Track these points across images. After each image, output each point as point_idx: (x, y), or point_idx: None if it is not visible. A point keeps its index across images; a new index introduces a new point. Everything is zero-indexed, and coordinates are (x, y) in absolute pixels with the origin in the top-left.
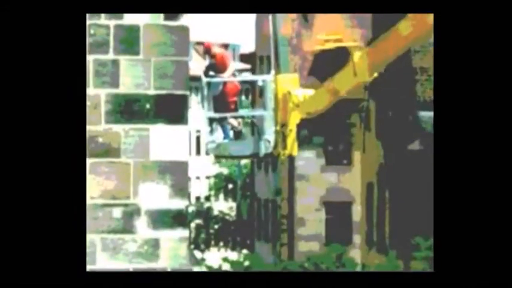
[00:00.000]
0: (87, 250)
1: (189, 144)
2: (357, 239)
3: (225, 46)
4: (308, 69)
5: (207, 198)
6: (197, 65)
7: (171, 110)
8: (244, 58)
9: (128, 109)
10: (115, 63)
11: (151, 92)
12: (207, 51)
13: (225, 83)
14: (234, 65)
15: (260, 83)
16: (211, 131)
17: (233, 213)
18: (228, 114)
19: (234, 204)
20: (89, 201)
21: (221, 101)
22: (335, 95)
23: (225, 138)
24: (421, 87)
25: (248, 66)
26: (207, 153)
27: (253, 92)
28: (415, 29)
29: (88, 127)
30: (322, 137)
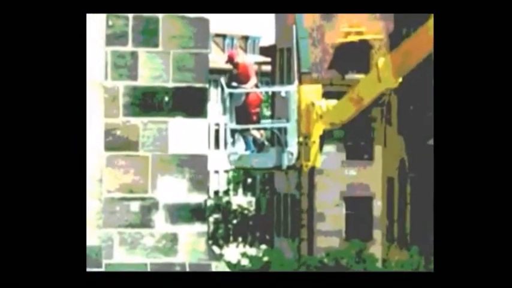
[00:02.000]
0: (104, 244)
1: (208, 137)
2: (378, 234)
3: (245, 38)
4: (329, 62)
5: (226, 193)
6: (217, 57)
7: (190, 103)
8: (264, 51)
9: (146, 102)
10: (134, 55)
11: (170, 84)
12: (230, 60)
13: (247, 94)
14: (256, 77)
15: (283, 94)
16: (233, 143)
17: (252, 208)
18: (250, 126)
19: (253, 199)
20: (106, 195)
21: (243, 112)
22: (359, 103)
23: (247, 149)
24: None
25: (268, 59)
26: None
27: (273, 99)
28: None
29: (105, 120)
30: (343, 131)
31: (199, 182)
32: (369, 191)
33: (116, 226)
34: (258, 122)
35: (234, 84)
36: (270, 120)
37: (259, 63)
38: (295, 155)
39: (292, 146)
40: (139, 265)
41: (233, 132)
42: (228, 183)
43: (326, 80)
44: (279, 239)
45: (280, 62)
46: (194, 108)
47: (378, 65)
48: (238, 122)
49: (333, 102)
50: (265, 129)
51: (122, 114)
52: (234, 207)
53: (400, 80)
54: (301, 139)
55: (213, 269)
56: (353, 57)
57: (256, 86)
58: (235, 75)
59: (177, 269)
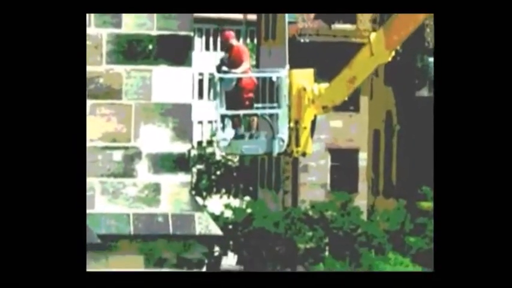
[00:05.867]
0: (87, 194)
1: (192, 87)
2: (363, 187)
3: None
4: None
5: (210, 143)
6: None
7: (174, 51)
8: None
9: (130, 50)
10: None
11: (155, 32)
12: (225, 40)
13: (240, 78)
14: (248, 61)
15: (274, 79)
16: (223, 128)
17: (236, 160)
18: (241, 112)
19: None
20: (88, 144)
21: (235, 97)
22: (352, 83)
23: (237, 135)
24: (430, 32)
25: (254, 16)
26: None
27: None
28: None
29: (88, 68)
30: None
31: (183, 132)
32: (354, 143)
33: (98, 175)
34: (250, 107)
35: (225, 68)
36: (260, 105)
37: (245, 13)
38: (286, 141)
39: (283, 133)
40: (121, 215)
41: (223, 117)
42: (212, 134)
43: (312, 30)
44: (263, 190)
45: (266, 18)
46: (178, 57)
47: (370, 40)
48: (228, 108)
49: (325, 85)
50: (255, 115)
51: (105, 62)
52: (218, 158)
53: (393, 53)
54: (292, 125)
55: (196, 220)
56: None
57: (249, 70)
58: (227, 58)
59: (160, 219)
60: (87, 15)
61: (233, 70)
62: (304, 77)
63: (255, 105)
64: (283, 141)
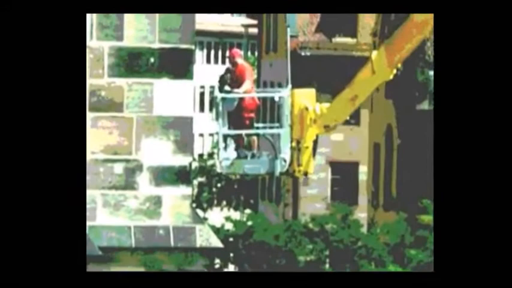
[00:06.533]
0: (87, 206)
1: (193, 99)
2: (363, 200)
3: None
4: (316, 25)
5: (211, 156)
6: (203, 18)
7: (175, 64)
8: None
9: (131, 63)
10: (119, 15)
11: (156, 45)
12: (230, 58)
13: (242, 98)
14: (251, 80)
15: (276, 99)
16: (225, 148)
17: None
18: (243, 131)
19: None
20: (90, 156)
21: (236, 117)
22: (353, 101)
23: (239, 155)
24: (431, 46)
25: (254, 21)
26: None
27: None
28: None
29: (90, 81)
30: (329, 95)
31: (184, 144)
32: (355, 156)
33: (100, 188)
34: (250, 126)
35: (227, 88)
36: (262, 125)
37: (246, 26)
38: (288, 161)
39: (285, 153)
40: (122, 227)
41: (225, 137)
42: (213, 147)
43: (313, 43)
44: (264, 203)
45: (267, 24)
46: (180, 70)
47: (372, 58)
48: (230, 127)
49: (327, 105)
50: (257, 135)
51: (107, 75)
52: (219, 170)
53: (395, 71)
54: (293, 144)
55: (197, 233)
56: (341, 20)
57: (253, 89)
58: (228, 77)
59: (161, 232)
60: (88, 24)
61: (235, 90)
62: (306, 96)
63: (256, 125)
64: (285, 161)
